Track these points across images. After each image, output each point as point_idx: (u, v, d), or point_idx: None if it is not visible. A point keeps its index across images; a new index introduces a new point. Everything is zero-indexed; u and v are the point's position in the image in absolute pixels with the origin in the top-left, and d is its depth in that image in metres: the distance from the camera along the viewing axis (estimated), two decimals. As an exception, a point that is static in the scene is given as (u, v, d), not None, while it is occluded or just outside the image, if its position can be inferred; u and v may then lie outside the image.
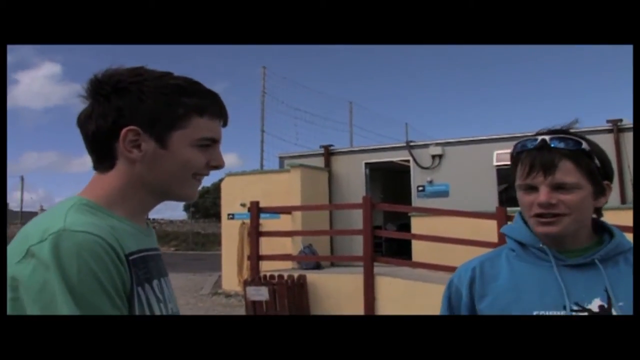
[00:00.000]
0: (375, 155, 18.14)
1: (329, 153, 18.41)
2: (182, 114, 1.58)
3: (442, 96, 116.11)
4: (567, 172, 1.83)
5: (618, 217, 11.49)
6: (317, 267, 14.71)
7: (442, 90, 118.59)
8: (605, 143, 14.74)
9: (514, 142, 1.98)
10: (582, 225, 1.92)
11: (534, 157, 1.86)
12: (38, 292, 1.35)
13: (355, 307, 12.22)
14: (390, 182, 20.19)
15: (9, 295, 1.38)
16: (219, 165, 1.67)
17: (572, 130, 1.91)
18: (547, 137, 1.87)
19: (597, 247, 1.93)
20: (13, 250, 1.44)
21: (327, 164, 18.29)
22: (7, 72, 2.06)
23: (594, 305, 1.83)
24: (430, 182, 16.90)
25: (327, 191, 17.98)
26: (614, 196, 14.55)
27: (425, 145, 17.25)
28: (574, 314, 1.82)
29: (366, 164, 17.98)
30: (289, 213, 15.77)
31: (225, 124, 1.71)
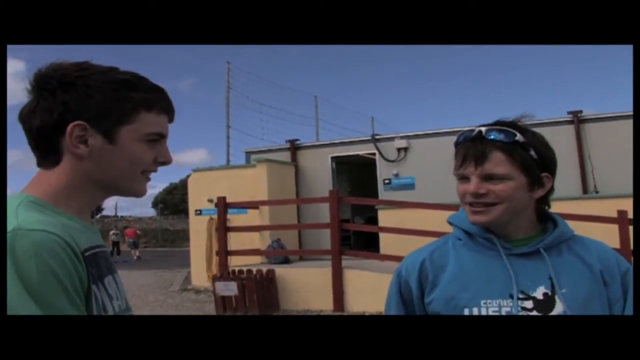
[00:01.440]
0: (341, 149, 18.17)
1: (295, 147, 18.42)
2: (130, 108, 1.56)
3: (408, 89, 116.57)
4: (497, 163, 1.86)
5: (579, 207, 11.73)
6: (286, 261, 14.74)
7: (407, 84, 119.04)
8: (567, 134, 14.98)
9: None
10: (520, 215, 1.95)
11: (468, 148, 1.91)
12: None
13: (324, 300, 12.29)
14: (356, 176, 20.26)
15: None
16: (166, 161, 1.67)
17: (520, 123, 1.95)
18: (483, 129, 1.91)
19: (541, 236, 1.97)
20: None
21: (294, 158, 18.30)
22: (6, 72, 1.99)
23: (539, 293, 1.88)
24: (397, 175, 16.98)
25: (294, 185, 18.00)
26: (575, 186, 14.83)
27: (391, 139, 17.31)
28: (519, 302, 1.86)
29: (332, 157, 18.01)
30: (257, 208, 15.78)
31: (171, 120, 1.69)
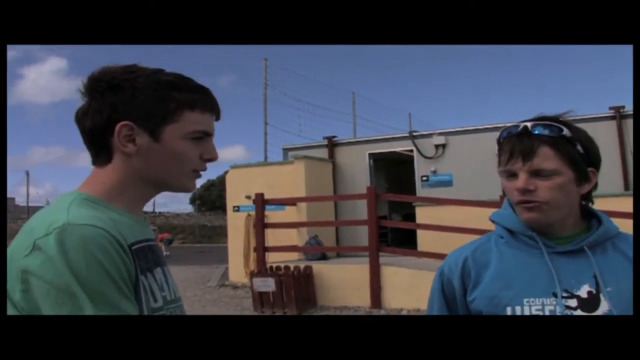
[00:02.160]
0: (379, 145, 18.13)
1: (332, 144, 18.43)
2: (174, 108, 1.63)
3: (444, 85, 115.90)
4: (545, 158, 1.84)
5: (621, 203, 11.54)
6: (323, 257, 14.77)
7: (445, 79, 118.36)
8: (608, 130, 14.75)
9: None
10: (568, 212, 1.93)
11: (514, 143, 1.88)
12: (49, 285, 1.39)
13: (361, 297, 12.30)
14: (394, 172, 20.20)
15: (19, 287, 1.42)
16: (212, 158, 1.72)
17: (562, 118, 1.93)
18: (529, 124, 1.89)
19: (585, 234, 1.95)
20: (19, 244, 1.48)
21: (331, 155, 18.31)
22: (6, 72, 2.08)
23: (583, 292, 1.86)
24: (434, 171, 16.90)
25: (332, 182, 18.00)
26: (617, 183, 14.62)
27: (429, 135, 17.23)
28: (563, 300, 1.85)
29: (370, 154, 17.99)
30: (294, 204, 15.84)
31: (217, 118, 1.75)
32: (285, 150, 19.31)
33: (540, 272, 1.90)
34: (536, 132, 1.87)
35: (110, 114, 1.59)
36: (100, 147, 1.64)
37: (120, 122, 1.59)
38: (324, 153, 18.31)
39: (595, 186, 1.97)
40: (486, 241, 2.07)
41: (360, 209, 14.27)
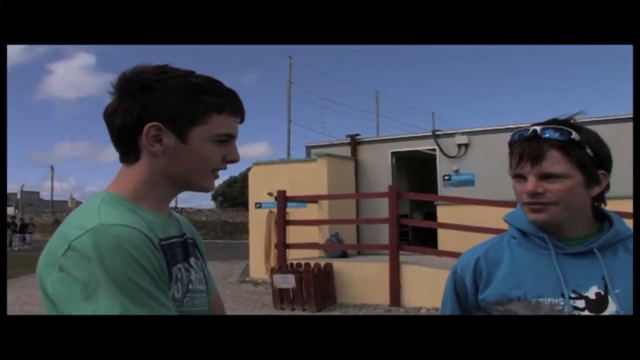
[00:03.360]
0: (401, 144, 18.14)
1: (355, 142, 18.45)
2: (202, 111, 1.66)
3: (468, 84, 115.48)
4: (554, 161, 1.86)
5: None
6: (344, 255, 14.79)
7: (469, 79, 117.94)
8: (631, 131, 14.62)
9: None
10: (577, 214, 1.95)
11: (524, 147, 1.90)
12: (84, 284, 1.42)
13: (381, 295, 12.33)
14: (416, 171, 20.19)
15: (56, 275, 1.47)
16: (234, 160, 1.76)
17: (573, 121, 1.94)
18: (538, 128, 1.90)
19: (596, 235, 1.96)
20: (54, 247, 1.52)
21: (354, 153, 18.33)
22: (6, 72, 2.14)
23: (591, 293, 1.88)
24: (457, 171, 16.87)
25: (354, 180, 18.03)
26: (630, 185, 14.46)
27: (451, 135, 17.21)
28: (571, 301, 1.87)
29: (392, 153, 18.00)
30: (316, 202, 15.86)
31: (242, 121, 1.78)
32: (308, 148, 19.37)
33: (549, 272, 1.93)
34: (545, 135, 1.88)
35: (141, 113, 1.63)
36: (128, 145, 1.68)
37: (149, 122, 1.63)
38: (346, 151, 18.33)
39: (607, 188, 1.98)
40: (499, 241, 2.10)
41: (382, 208, 14.27)
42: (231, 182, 66.61)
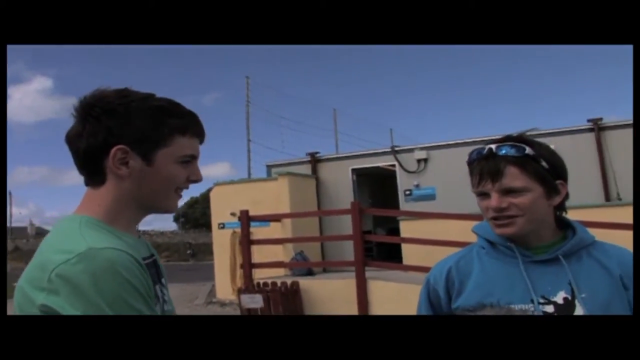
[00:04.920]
0: (361, 160, 18.25)
1: (315, 160, 18.52)
2: (167, 133, 1.70)
3: (425, 100, 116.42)
4: (513, 177, 1.97)
5: (602, 214, 11.68)
6: (310, 273, 14.76)
7: (426, 94, 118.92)
8: (587, 142, 14.97)
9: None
10: (542, 224, 2.06)
11: (483, 165, 2.01)
12: (83, 307, 1.43)
13: (349, 311, 12.31)
14: (377, 187, 20.27)
15: (42, 299, 1.46)
16: (197, 180, 1.80)
17: (525, 137, 2.05)
18: (493, 146, 2.01)
19: (561, 243, 2.06)
20: (35, 275, 1.51)
21: (314, 171, 18.39)
22: (6, 72, 2.15)
23: (559, 298, 1.98)
24: (417, 185, 17.02)
25: (315, 198, 18.06)
26: (598, 194, 14.81)
27: (410, 150, 17.36)
28: (540, 306, 1.96)
29: (353, 169, 18.08)
30: (279, 221, 15.87)
31: (202, 142, 1.83)
32: (269, 167, 19.37)
33: (518, 280, 2.02)
34: (501, 152, 1.99)
35: (106, 137, 1.65)
36: (93, 168, 1.70)
37: (115, 145, 1.65)
38: (307, 169, 18.39)
39: (567, 196, 2.09)
40: (468, 252, 2.20)
41: (345, 224, 14.33)
42: (192, 203, 66.15)
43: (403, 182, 17.34)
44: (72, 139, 1.71)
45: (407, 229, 14.91)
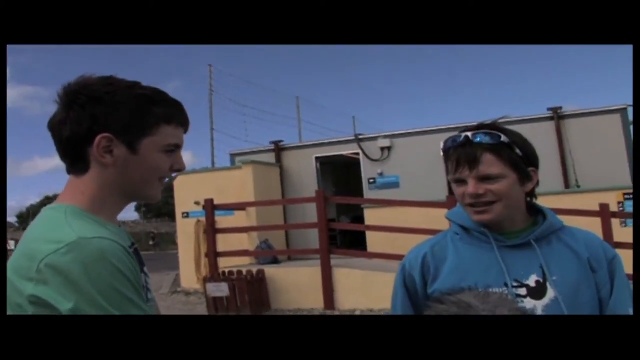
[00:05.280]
0: (325, 149, 18.28)
1: (279, 149, 18.50)
2: (152, 122, 1.69)
3: (388, 89, 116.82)
4: (490, 164, 2.01)
5: (562, 201, 11.92)
6: (275, 261, 14.81)
7: (388, 83, 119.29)
8: (547, 130, 15.21)
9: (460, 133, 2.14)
10: (516, 210, 2.11)
11: (460, 153, 2.06)
12: (74, 304, 1.43)
13: (314, 299, 12.43)
14: (341, 176, 20.38)
15: (30, 310, 1.47)
16: (181, 169, 1.81)
17: (498, 125, 2.10)
18: (469, 134, 2.05)
19: (532, 229, 2.12)
20: (19, 268, 1.50)
21: (278, 159, 18.38)
22: (6, 72, 2.13)
23: (531, 281, 2.04)
24: (381, 174, 17.11)
25: (280, 186, 18.07)
26: (557, 181, 15.07)
27: (374, 138, 17.42)
28: (514, 290, 2.03)
29: (317, 158, 18.12)
30: (244, 209, 15.86)
31: (186, 131, 1.82)
32: (233, 156, 19.28)
33: (492, 264, 2.08)
34: (477, 140, 2.04)
35: (91, 125, 1.64)
36: (76, 156, 1.69)
37: (100, 133, 1.64)
38: (271, 158, 18.36)
39: (537, 183, 2.16)
40: (443, 238, 2.25)
41: (309, 213, 14.40)
42: (154, 193, 65.72)
43: (367, 170, 17.42)
44: (55, 126, 1.70)
45: (371, 216, 15.01)
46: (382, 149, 17.13)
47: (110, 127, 1.66)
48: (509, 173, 2.04)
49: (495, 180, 2.03)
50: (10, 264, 1.56)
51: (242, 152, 19.12)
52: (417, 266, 2.21)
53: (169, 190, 19.33)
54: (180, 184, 18.16)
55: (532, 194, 2.18)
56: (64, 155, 1.73)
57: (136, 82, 1.76)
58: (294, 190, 17.84)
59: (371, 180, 17.30)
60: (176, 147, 1.78)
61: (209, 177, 17.54)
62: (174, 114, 1.76)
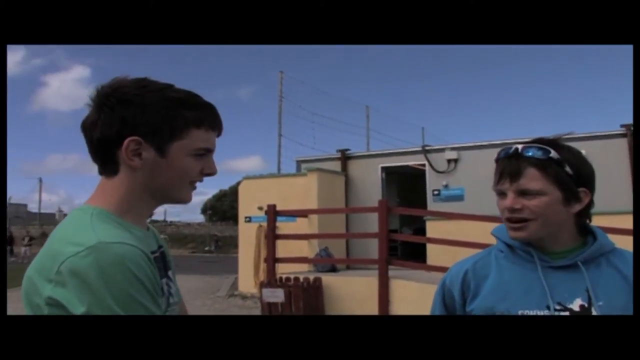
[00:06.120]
0: (391, 159, 18.23)
1: (345, 157, 18.53)
2: (182, 125, 1.68)
3: (459, 100, 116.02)
4: (531, 178, 1.93)
5: (629, 221, 11.46)
6: (333, 270, 14.80)
7: (459, 95, 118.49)
8: (620, 147, 14.76)
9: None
10: (559, 229, 2.01)
11: (505, 164, 1.99)
12: (87, 308, 1.42)
13: (369, 309, 12.30)
14: (406, 186, 20.24)
15: (45, 311, 1.47)
16: (211, 173, 1.77)
17: (557, 141, 2.02)
18: (520, 147, 1.98)
19: (580, 249, 2.03)
20: (45, 264, 1.51)
21: (344, 167, 18.39)
22: (6, 72, 2.13)
23: (575, 305, 1.94)
24: (446, 186, 16.95)
25: (344, 195, 18.07)
26: (627, 200, 14.59)
27: (441, 150, 17.30)
28: (556, 313, 1.92)
29: (382, 167, 18.06)
30: (306, 216, 15.89)
31: (219, 134, 1.80)
32: (299, 162, 19.43)
33: (535, 285, 1.98)
34: (525, 154, 1.96)
35: (120, 127, 1.64)
36: (106, 158, 1.68)
37: (128, 136, 1.63)
38: (336, 166, 18.39)
39: (591, 204, 2.03)
40: (487, 255, 2.16)
41: (372, 222, 14.30)
42: (220, 196, 66.50)
43: (432, 181, 17.28)
44: (87, 128, 1.69)
45: (432, 229, 14.88)
46: (449, 160, 16.97)
47: (139, 130, 1.65)
48: (552, 190, 1.95)
49: (535, 196, 1.94)
50: (35, 262, 1.57)
51: (308, 159, 19.22)
52: (458, 283, 2.14)
53: (235, 194, 19.51)
54: (245, 188, 18.33)
55: (585, 215, 2.06)
56: (95, 157, 1.72)
57: (169, 84, 1.74)
58: (357, 199, 17.79)
59: (435, 192, 17.13)
60: (206, 151, 1.75)
61: (274, 183, 17.67)
62: (204, 117, 1.73)
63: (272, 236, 13.67)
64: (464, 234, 12.14)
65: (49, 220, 69.39)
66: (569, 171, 1.95)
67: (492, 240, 2.18)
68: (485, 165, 13.76)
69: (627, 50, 2.13)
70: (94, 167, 1.74)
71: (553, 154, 1.94)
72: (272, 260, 13.49)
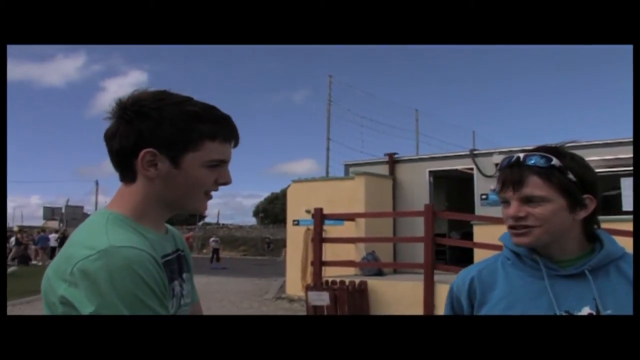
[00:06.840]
0: (439, 163, 18.11)
1: (393, 161, 18.47)
2: (196, 138, 1.73)
3: (509, 104, 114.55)
4: (535, 186, 1.93)
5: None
6: (379, 273, 14.78)
7: (510, 99, 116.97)
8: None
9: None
10: (564, 237, 2.00)
11: (507, 173, 2.00)
12: (95, 309, 1.49)
13: (414, 313, 12.28)
14: (454, 190, 20.12)
15: (59, 309, 1.55)
16: (226, 183, 1.83)
17: (560, 148, 2.02)
18: (522, 155, 1.99)
19: (588, 257, 2.01)
20: (61, 265, 1.58)
21: (392, 171, 18.34)
22: (6, 72, 2.16)
23: (583, 313, 1.93)
24: (494, 190, 16.71)
25: (391, 199, 18.03)
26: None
27: (489, 154, 17.08)
28: None
29: (430, 171, 17.96)
30: (353, 220, 15.91)
31: (236, 145, 1.86)
32: (347, 166, 19.39)
33: (542, 293, 1.98)
34: (527, 162, 1.97)
35: (137, 139, 1.71)
36: (125, 167, 1.77)
37: (144, 148, 1.71)
38: (384, 170, 18.35)
39: (597, 211, 2.03)
40: (493, 262, 2.17)
41: (419, 226, 14.20)
42: (272, 199, 66.68)
43: (480, 186, 17.12)
44: (108, 138, 1.78)
45: (480, 233, 14.73)
46: (497, 165, 16.73)
47: (154, 142, 1.72)
48: (556, 198, 1.95)
49: (538, 203, 1.95)
50: (53, 263, 1.65)
51: (356, 163, 19.19)
52: (464, 290, 2.15)
53: (286, 197, 19.61)
54: (293, 191, 18.41)
55: (592, 221, 2.06)
56: (115, 165, 1.81)
57: (188, 97, 1.81)
58: (405, 203, 17.73)
59: (483, 197, 16.97)
60: (221, 162, 1.81)
61: (322, 186, 17.70)
62: (219, 130, 1.79)
63: (318, 239, 13.74)
64: (511, 239, 12.04)
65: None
66: (572, 178, 1.95)
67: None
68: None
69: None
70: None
71: (555, 161, 1.95)
72: (319, 263, 13.56)
